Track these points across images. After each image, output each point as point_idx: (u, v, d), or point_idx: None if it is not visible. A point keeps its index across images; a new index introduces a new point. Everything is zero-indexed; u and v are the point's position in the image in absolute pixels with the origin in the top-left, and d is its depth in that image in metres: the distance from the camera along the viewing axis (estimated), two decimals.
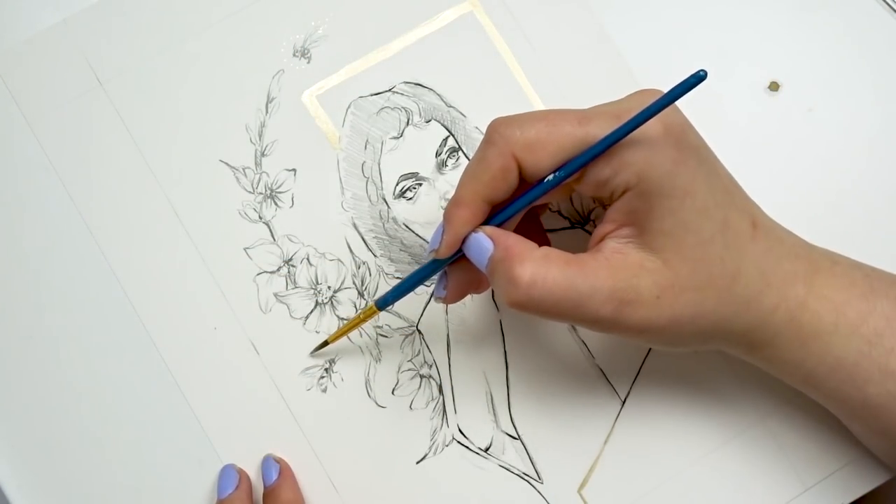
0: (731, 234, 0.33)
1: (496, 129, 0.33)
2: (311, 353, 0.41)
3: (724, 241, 0.33)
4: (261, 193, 0.42)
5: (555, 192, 0.34)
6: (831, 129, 0.44)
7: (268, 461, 0.40)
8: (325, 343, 0.40)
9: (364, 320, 0.39)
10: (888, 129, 0.44)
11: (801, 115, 0.44)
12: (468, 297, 0.42)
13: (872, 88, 0.44)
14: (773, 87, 0.44)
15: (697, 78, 0.29)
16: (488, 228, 0.34)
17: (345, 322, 0.41)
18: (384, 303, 0.38)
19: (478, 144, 0.42)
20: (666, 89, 0.31)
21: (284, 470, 0.40)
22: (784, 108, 0.44)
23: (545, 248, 0.33)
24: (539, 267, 0.32)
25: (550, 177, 0.32)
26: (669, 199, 0.32)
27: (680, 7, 0.45)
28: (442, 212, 0.42)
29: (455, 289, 0.36)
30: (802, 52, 0.45)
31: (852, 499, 0.40)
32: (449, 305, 0.42)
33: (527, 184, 0.33)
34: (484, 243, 0.33)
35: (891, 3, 0.45)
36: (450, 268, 0.36)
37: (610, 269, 0.32)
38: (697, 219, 0.32)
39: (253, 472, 0.40)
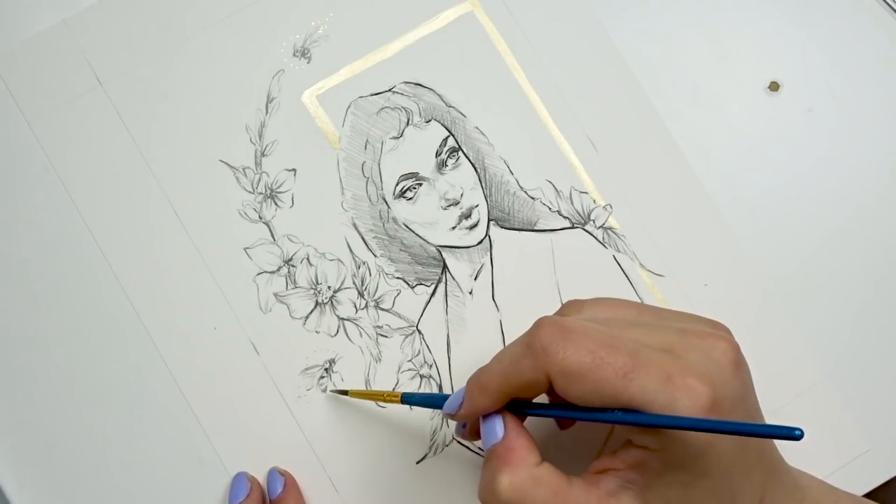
0: None
1: (541, 340, 0.31)
2: (330, 390, 0.41)
3: None
4: (261, 193, 0.42)
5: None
6: (831, 129, 0.44)
7: (273, 474, 0.40)
8: (346, 392, 0.40)
9: (386, 399, 0.38)
10: (888, 129, 0.44)
11: (801, 115, 0.44)
12: (467, 296, 0.42)
13: (872, 88, 0.44)
14: (773, 87, 0.44)
15: (790, 433, 0.26)
16: (508, 417, 0.33)
17: (367, 389, 0.41)
18: (408, 399, 0.37)
19: (478, 145, 0.43)
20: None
21: (289, 483, 0.39)
22: (784, 108, 0.44)
23: (544, 467, 0.31)
24: (525, 485, 0.31)
25: (583, 413, 0.31)
26: (684, 475, 0.30)
27: (680, 7, 0.45)
28: (442, 212, 0.42)
29: (475, 433, 0.35)
30: (802, 52, 0.45)
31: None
32: (449, 305, 0.42)
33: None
34: (497, 430, 0.33)
35: (891, 3, 0.45)
36: None
37: None
38: (704, 498, 0.31)
39: (253, 473, 0.40)
